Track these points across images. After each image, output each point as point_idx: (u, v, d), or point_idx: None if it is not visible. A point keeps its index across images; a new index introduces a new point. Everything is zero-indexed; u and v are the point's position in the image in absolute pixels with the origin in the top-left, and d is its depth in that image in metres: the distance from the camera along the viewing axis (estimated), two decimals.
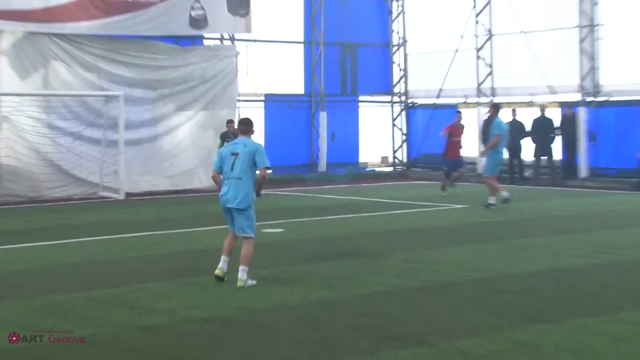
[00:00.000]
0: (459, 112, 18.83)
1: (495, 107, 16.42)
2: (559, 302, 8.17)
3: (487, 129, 17.71)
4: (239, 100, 21.98)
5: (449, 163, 18.46)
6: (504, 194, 15.90)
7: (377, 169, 26.32)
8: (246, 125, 9.44)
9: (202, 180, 20.57)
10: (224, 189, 9.16)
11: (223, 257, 9.22)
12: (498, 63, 23.85)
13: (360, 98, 26.15)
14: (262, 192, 9.59)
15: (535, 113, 22.28)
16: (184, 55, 20.87)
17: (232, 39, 22.54)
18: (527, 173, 22.81)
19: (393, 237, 12.54)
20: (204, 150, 20.81)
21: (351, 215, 15.44)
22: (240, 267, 8.94)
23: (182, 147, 20.76)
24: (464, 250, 11.24)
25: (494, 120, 16.12)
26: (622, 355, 6.51)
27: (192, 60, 20.91)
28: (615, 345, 6.70)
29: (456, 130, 18.30)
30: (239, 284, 8.84)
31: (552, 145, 21.80)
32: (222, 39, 22.43)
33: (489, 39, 23.97)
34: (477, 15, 24.07)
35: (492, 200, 15.84)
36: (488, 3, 23.85)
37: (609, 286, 8.86)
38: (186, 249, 11.50)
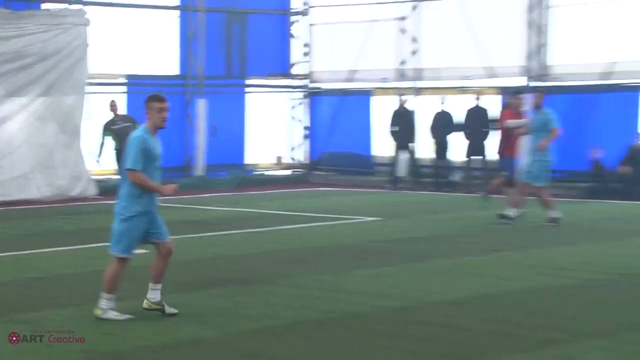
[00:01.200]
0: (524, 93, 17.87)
1: (543, 94, 16.76)
2: (486, 335, 8.61)
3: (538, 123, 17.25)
4: (90, 84, 21.90)
5: (507, 163, 17.39)
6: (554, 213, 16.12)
7: (269, 173, 26.55)
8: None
9: (41, 188, 20.41)
10: None
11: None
12: (425, 38, 24.35)
13: (250, 82, 26.39)
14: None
15: (470, 101, 22.84)
16: (17, 23, 20.68)
17: (82, 1, 22.44)
18: (457, 177, 23.39)
19: (287, 259, 12.82)
20: (42, 150, 20.65)
21: (235, 232, 15.64)
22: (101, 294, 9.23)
23: (14, 145, 20.54)
24: (375, 273, 11.59)
25: (540, 110, 16.30)
26: None
27: (27, 29, 20.73)
28: None
29: (519, 118, 17.23)
30: (96, 311, 9.14)
31: (487, 143, 22.13)
32: (68, 1, 22.30)
33: (415, 6, 24.43)
34: None
35: (554, 213, 16.07)
36: None
37: (543, 315, 9.35)
38: (15, 278, 11.45)
